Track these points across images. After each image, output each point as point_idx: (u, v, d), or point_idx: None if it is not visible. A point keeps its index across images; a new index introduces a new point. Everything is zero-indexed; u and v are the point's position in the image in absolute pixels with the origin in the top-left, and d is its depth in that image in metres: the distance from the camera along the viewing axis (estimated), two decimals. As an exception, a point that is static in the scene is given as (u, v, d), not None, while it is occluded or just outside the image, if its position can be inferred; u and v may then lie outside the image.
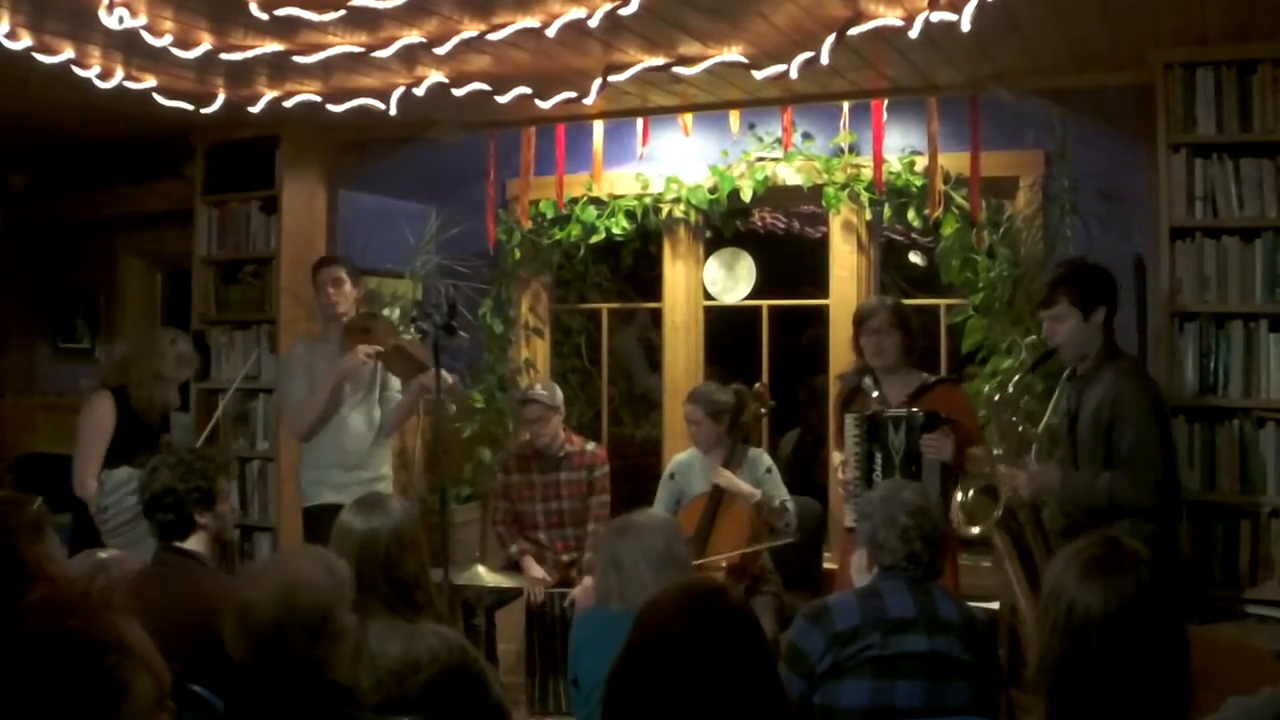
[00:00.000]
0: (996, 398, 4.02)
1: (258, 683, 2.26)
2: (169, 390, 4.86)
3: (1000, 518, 3.69)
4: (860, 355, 4.45)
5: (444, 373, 4.67)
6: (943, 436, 4.15)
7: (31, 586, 2.64)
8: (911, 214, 5.22)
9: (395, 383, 5.18)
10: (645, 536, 3.00)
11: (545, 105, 4.88)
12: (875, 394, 4.38)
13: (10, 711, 1.52)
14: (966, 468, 4.09)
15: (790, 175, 5.45)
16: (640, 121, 5.57)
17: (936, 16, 3.74)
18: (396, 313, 5.82)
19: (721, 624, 1.98)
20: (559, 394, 5.22)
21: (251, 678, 2.26)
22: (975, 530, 3.76)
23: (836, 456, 4.54)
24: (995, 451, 3.88)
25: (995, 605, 4.31)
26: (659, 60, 4.43)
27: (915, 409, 4.24)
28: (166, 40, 4.19)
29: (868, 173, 5.21)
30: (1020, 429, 3.91)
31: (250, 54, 4.34)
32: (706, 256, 5.92)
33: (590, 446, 5.29)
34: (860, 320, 4.41)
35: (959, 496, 3.83)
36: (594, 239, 5.85)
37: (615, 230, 5.79)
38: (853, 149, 5.34)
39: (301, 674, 2.27)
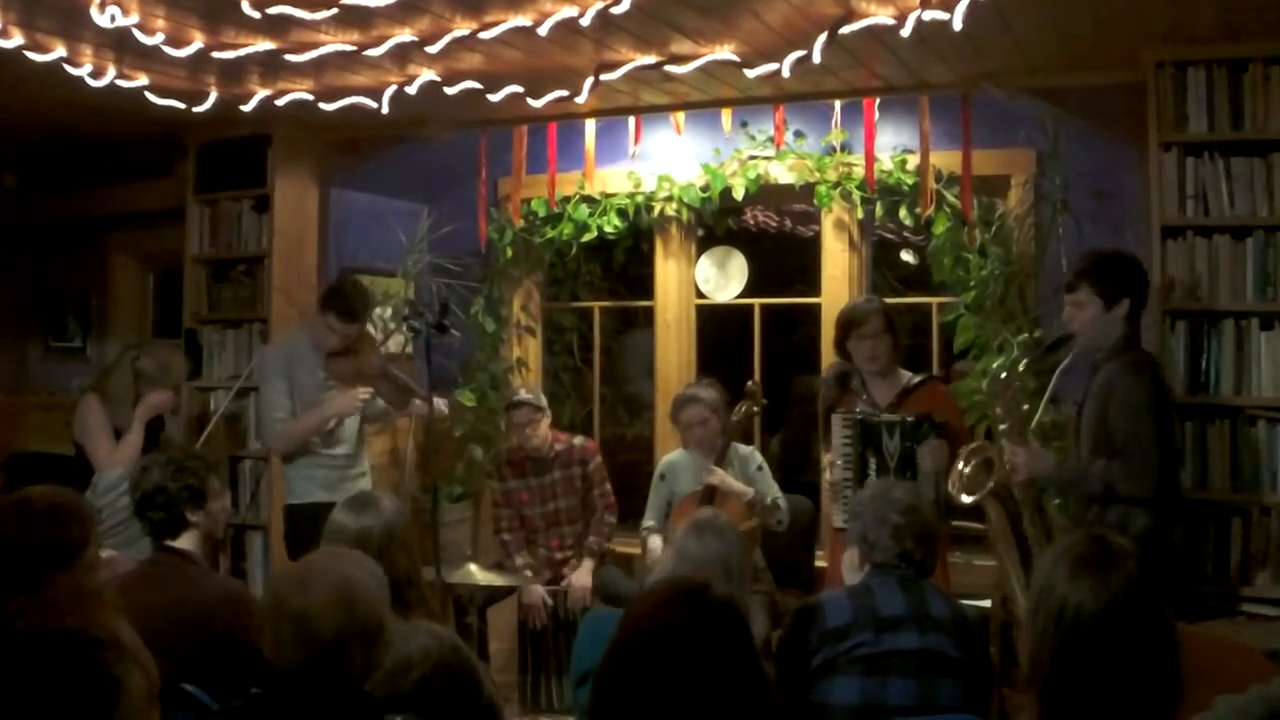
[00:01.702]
0: (1004, 375, 3.94)
1: (303, 691, 2.21)
2: (121, 409, 4.80)
3: (994, 489, 3.70)
4: (846, 358, 4.43)
5: (435, 400, 4.68)
6: (938, 448, 4.14)
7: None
8: (903, 212, 5.22)
9: None
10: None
11: (537, 104, 4.87)
12: (863, 396, 4.37)
13: (12, 709, 1.52)
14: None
15: (782, 174, 5.46)
16: (632, 120, 5.58)
17: (928, 15, 3.74)
18: (389, 311, 5.82)
19: (706, 619, 1.98)
20: (543, 397, 5.26)
21: (296, 685, 2.21)
22: (969, 499, 3.76)
23: (827, 458, 4.53)
24: (1000, 426, 3.87)
25: (987, 603, 4.31)
26: (651, 59, 4.42)
27: (908, 416, 4.22)
28: (158, 39, 4.18)
29: (859, 171, 5.22)
30: (1025, 406, 3.88)
31: (242, 52, 4.33)
32: (698, 255, 5.92)
33: (578, 441, 5.31)
34: (851, 325, 4.37)
35: (958, 466, 3.83)
36: (586, 237, 5.86)
37: (607, 228, 5.80)
38: (845, 147, 5.35)
39: (351, 681, 2.24)
